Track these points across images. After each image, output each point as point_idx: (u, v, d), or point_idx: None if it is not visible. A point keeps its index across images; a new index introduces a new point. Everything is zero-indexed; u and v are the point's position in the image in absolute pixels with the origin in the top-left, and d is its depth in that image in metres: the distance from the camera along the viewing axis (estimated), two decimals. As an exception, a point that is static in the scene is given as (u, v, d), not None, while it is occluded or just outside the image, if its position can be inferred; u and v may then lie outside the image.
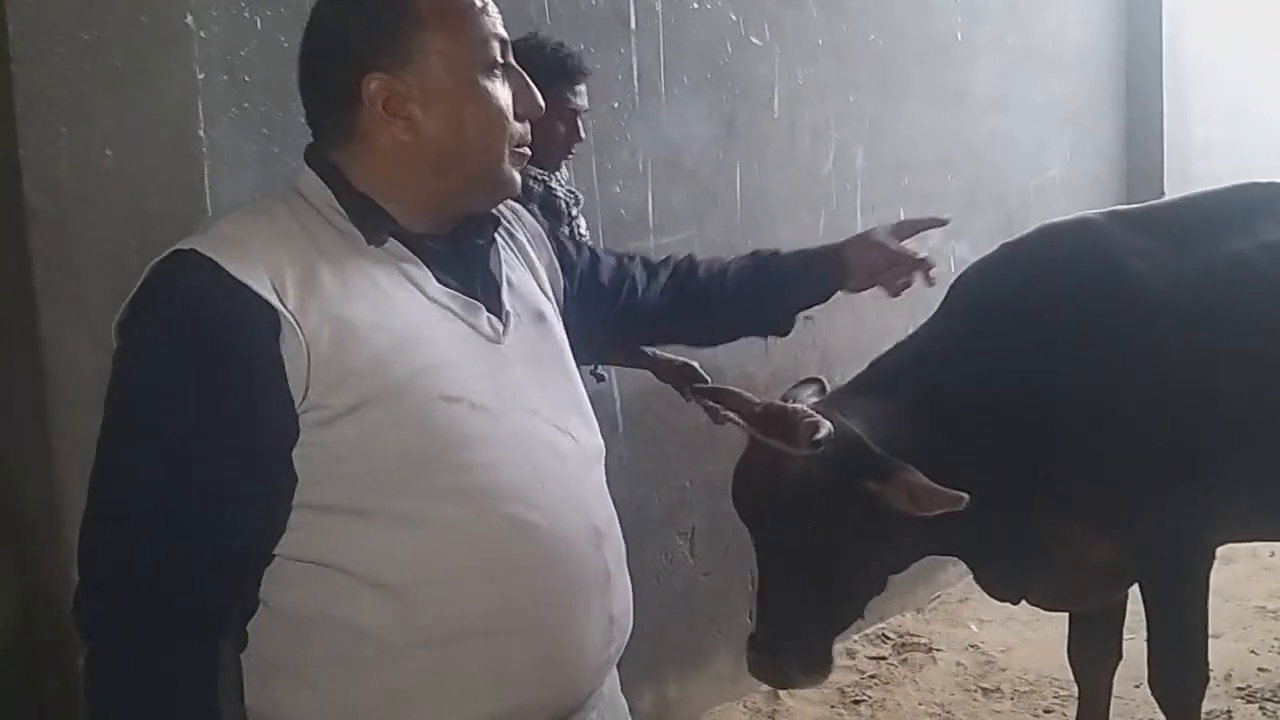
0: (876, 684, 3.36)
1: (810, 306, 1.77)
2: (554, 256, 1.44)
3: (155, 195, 1.80)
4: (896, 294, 1.75)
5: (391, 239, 1.20)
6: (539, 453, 1.19)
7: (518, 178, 1.26)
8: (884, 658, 3.53)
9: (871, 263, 1.71)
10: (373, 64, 1.19)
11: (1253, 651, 3.41)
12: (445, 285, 1.20)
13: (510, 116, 1.23)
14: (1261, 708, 3.07)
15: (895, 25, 3.75)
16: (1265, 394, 2.11)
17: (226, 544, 1.07)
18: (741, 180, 3.23)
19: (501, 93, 1.22)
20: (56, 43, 1.70)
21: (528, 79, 1.24)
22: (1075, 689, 3.20)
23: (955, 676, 3.37)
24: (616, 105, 2.84)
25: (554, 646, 1.18)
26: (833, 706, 3.23)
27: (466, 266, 1.24)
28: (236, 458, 1.06)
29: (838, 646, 3.47)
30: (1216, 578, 3.43)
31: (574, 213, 2.40)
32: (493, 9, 1.24)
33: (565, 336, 1.34)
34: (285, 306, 1.07)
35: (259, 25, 2.08)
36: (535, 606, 1.16)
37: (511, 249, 1.36)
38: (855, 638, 3.58)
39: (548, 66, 2.19)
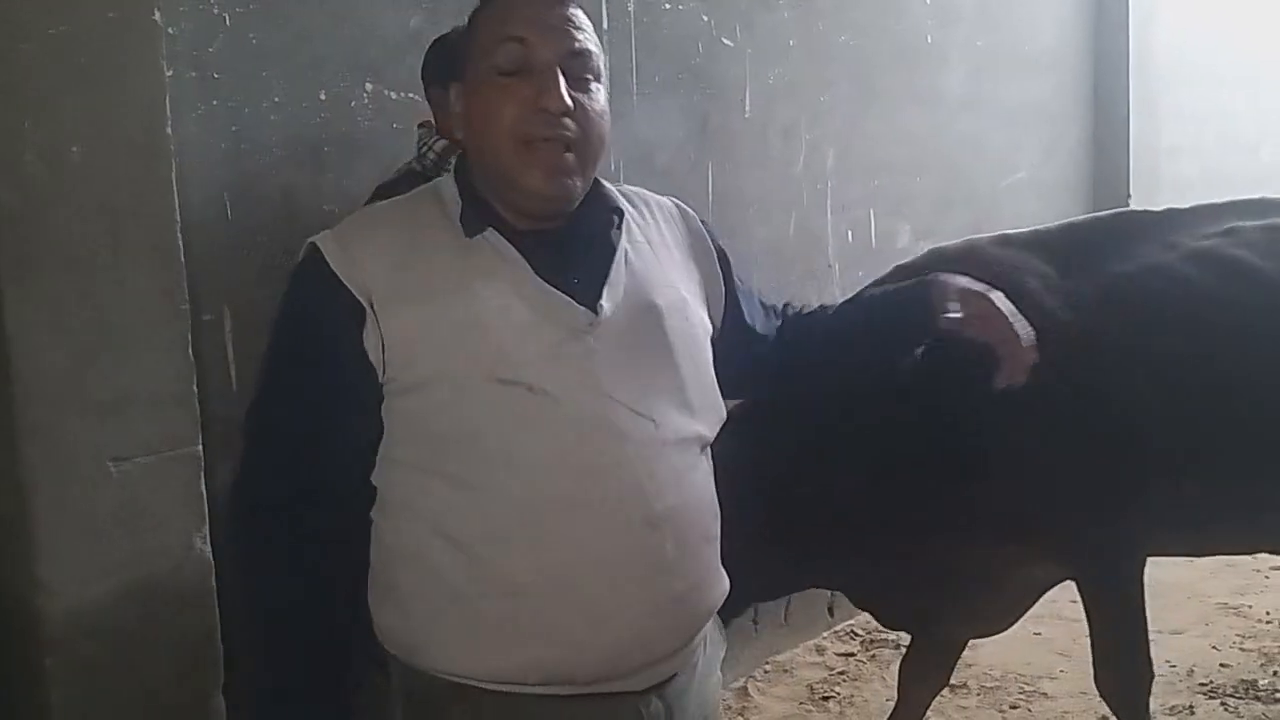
0: (845, 680, 3.38)
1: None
2: (720, 271, 1.50)
3: (123, 191, 1.79)
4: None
5: (493, 232, 1.30)
6: (598, 435, 1.27)
7: (544, 176, 1.28)
8: (852, 654, 3.55)
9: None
10: (460, 73, 1.35)
11: (1214, 647, 3.46)
12: (544, 277, 1.29)
13: (506, 113, 1.28)
14: (1223, 703, 3.12)
15: (867, 26, 3.77)
16: (1175, 408, 2.14)
17: (314, 475, 1.29)
18: (713, 180, 3.24)
19: (503, 91, 1.28)
20: (24, 38, 1.69)
21: (557, 75, 1.27)
22: (1040, 685, 3.26)
23: (923, 673, 3.39)
24: (589, 104, 2.84)
25: (595, 615, 1.26)
26: (801, 703, 3.25)
27: (569, 260, 1.32)
28: (323, 411, 1.29)
29: (808, 643, 3.52)
30: (1179, 574, 3.50)
31: None
32: (529, 12, 1.29)
33: (690, 329, 1.39)
34: (371, 298, 1.26)
35: (227, 21, 2.07)
36: (576, 576, 1.26)
37: (661, 244, 1.43)
38: (825, 634, 3.61)
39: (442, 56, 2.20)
